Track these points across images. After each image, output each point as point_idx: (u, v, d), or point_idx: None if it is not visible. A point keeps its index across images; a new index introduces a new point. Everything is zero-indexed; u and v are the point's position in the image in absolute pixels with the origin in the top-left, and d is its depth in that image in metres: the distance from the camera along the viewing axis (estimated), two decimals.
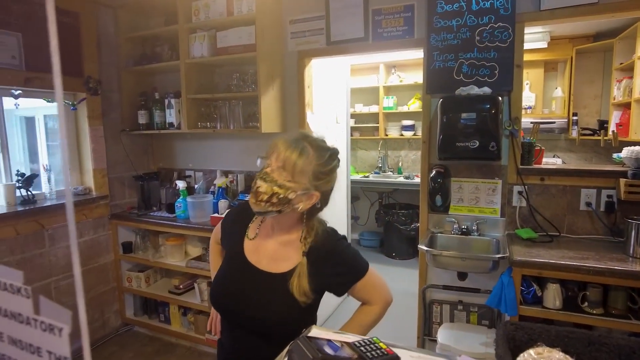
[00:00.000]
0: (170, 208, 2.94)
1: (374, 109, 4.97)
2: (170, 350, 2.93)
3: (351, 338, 0.93)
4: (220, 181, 2.93)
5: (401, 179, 4.64)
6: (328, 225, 1.25)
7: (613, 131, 3.26)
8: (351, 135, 3.89)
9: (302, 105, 2.77)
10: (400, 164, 5.00)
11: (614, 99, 3.62)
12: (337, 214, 3.35)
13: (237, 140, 3.06)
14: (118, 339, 3.09)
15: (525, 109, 4.11)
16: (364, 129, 5.08)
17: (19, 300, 0.41)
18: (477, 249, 2.31)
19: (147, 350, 2.94)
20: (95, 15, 2.87)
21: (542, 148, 2.38)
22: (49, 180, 2.75)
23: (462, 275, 2.30)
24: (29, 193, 2.54)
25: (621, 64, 3.49)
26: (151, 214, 3.00)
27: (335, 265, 1.18)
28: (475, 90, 2.20)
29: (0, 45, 2.32)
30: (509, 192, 2.28)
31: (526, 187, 2.23)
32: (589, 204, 2.13)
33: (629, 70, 3.38)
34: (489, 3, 2.17)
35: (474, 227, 2.34)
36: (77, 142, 2.93)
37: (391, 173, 4.89)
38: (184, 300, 2.87)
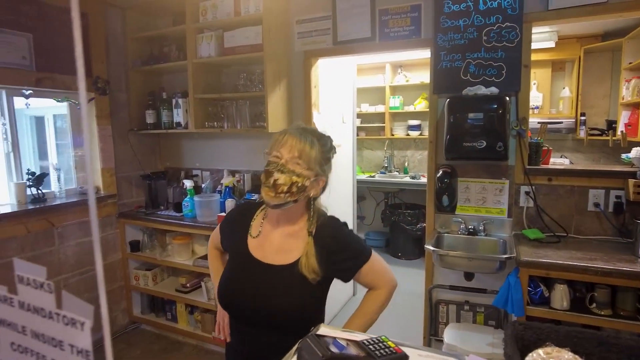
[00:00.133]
0: (178, 207, 2.96)
1: (380, 108, 4.97)
2: (177, 349, 2.96)
3: (360, 337, 0.94)
4: (227, 180, 2.95)
5: (407, 179, 4.63)
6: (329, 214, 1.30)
7: (622, 131, 3.24)
8: (357, 135, 3.89)
9: (308, 105, 2.78)
10: (406, 164, 4.99)
11: (623, 98, 3.58)
12: (343, 214, 3.35)
13: (244, 139, 3.07)
14: (125, 336, 3.12)
15: (532, 109, 4.08)
16: (370, 129, 5.08)
17: (41, 295, 0.42)
18: (484, 249, 2.30)
19: (154, 349, 2.97)
20: (103, 16, 2.90)
21: (550, 148, 2.37)
22: (58, 179, 2.78)
23: (468, 276, 2.30)
24: (39, 192, 2.57)
25: (630, 63, 3.46)
26: (158, 212, 3.02)
27: (341, 251, 1.21)
28: (482, 90, 2.19)
29: (11, 45, 2.35)
30: (516, 193, 2.27)
31: (533, 187, 2.22)
32: (597, 205, 2.11)
33: (638, 69, 3.35)
34: (496, 3, 2.16)
35: (481, 228, 2.34)
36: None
37: (397, 173, 4.88)
38: (190, 299, 2.89)
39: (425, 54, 2.52)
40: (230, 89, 2.96)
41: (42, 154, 2.86)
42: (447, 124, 2.24)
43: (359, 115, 4.89)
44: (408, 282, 3.88)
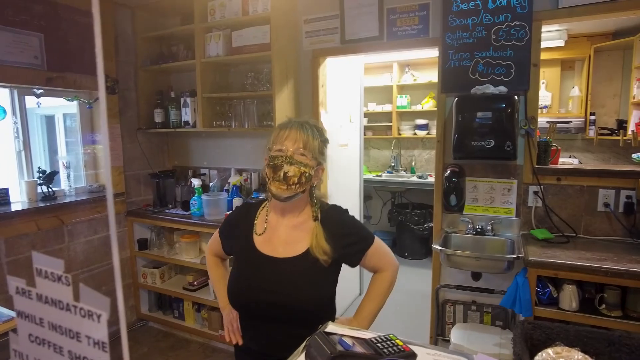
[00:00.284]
0: (185, 205, 2.98)
1: (387, 108, 4.95)
2: (184, 346, 2.98)
3: (368, 335, 0.94)
4: (234, 179, 2.96)
5: (414, 179, 4.62)
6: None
7: (632, 131, 3.20)
8: (364, 134, 3.89)
9: (315, 104, 2.78)
10: (413, 164, 4.97)
11: (634, 98, 3.54)
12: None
13: (251, 138, 3.08)
14: (133, 334, 3.15)
15: (541, 108, 4.05)
16: (377, 128, 5.07)
17: (59, 288, 0.43)
18: (492, 249, 2.29)
19: (161, 346, 2.99)
20: (113, 16, 2.93)
21: (559, 148, 2.35)
22: (68, 177, 2.81)
23: (476, 276, 2.29)
24: (50, 189, 2.61)
25: None
26: (166, 211, 3.04)
27: (347, 235, 1.26)
28: (491, 89, 2.18)
29: (23, 45, 2.38)
30: (525, 192, 2.26)
31: (542, 187, 2.20)
32: (607, 205, 2.09)
33: None
34: (505, 1, 2.14)
35: (489, 227, 2.33)
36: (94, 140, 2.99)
37: (404, 172, 4.87)
38: (198, 297, 2.91)
39: (433, 52, 2.51)
40: (238, 88, 2.97)
41: (52, 152, 2.89)
42: (455, 123, 2.23)
43: (366, 115, 4.88)
44: (415, 281, 3.88)
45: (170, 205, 3.15)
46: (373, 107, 5.04)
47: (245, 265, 1.27)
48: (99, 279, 2.88)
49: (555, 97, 4.18)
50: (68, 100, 2.74)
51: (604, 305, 1.78)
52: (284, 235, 1.25)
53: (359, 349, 0.86)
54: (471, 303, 2.45)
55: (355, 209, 3.56)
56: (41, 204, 2.52)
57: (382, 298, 1.30)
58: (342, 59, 3.00)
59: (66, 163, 2.84)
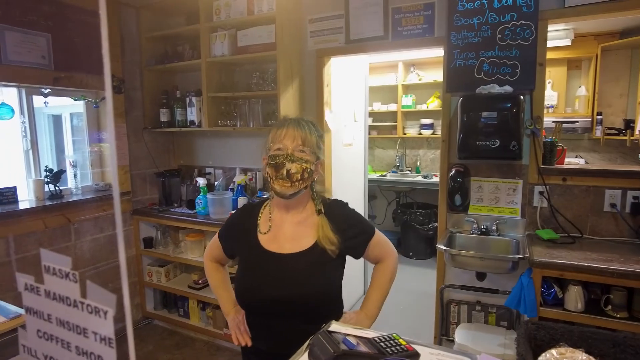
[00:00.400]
0: (191, 204, 3.00)
1: (392, 107, 4.95)
2: (189, 344, 2.99)
3: (371, 334, 0.94)
4: (239, 178, 2.98)
5: (419, 178, 4.61)
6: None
7: None
8: (369, 133, 3.89)
9: (320, 104, 2.79)
10: (418, 163, 4.96)
11: None
12: None
13: (257, 138, 3.09)
14: (138, 332, 3.17)
15: (547, 107, 4.03)
16: (382, 128, 5.07)
17: (67, 285, 0.43)
18: (497, 249, 2.28)
19: (166, 344, 3.01)
20: (118, 15, 2.95)
21: (565, 148, 2.34)
22: (74, 176, 2.84)
23: (480, 276, 2.28)
24: (57, 188, 2.63)
25: None
26: (172, 210, 3.06)
27: (350, 227, 1.29)
28: (496, 89, 2.17)
29: (31, 45, 2.41)
30: (530, 192, 2.25)
31: (547, 187, 2.19)
32: (613, 205, 2.08)
33: None
34: (511, 0, 2.13)
35: (494, 227, 2.32)
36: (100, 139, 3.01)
37: (409, 172, 4.86)
38: (202, 295, 2.92)
39: (438, 52, 2.50)
40: (243, 87, 2.98)
41: (60, 151, 2.92)
42: (460, 123, 2.23)
43: (371, 114, 4.88)
44: (419, 281, 3.87)
45: (175, 204, 3.17)
46: (378, 107, 5.03)
47: (253, 264, 1.27)
48: (105, 277, 2.91)
49: (562, 97, 4.15)
50: (75, 99, 2.76)
51: (609, 307, 1.76)
52: (289, 231, 1.27)
53: (363, 348, 0.87)
54: (476, 303, 2.45)
55: (359, 209, 3.55)
56: (48, 203, 2.54)
57: (387, 286, 1.35)
58: (347, 59, 3.00)
59: (73, 162, 2.87)
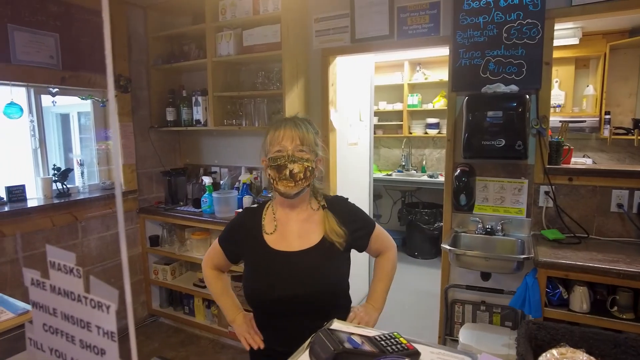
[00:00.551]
0: (196, 203, 3.02)
1: (398, 106, 4.94)
2: (194, 342, 3.02)
3: (372, 332, 0.95)
4: (244, 177, 2.99)
5: (425, 178, 4.60)
6: None
7: None
8: (374, 133, 3.89)
9: (325, 103, 2.79)
10: (424, 163, 4.95)
11: None
12: None
13: (262, 137, 3.07)
14: (144, 329, 3.20)
15: (554, 107, 3.99)
16: (387, 127, 5.06)
17: (71, 280, 0.45)
18: (502, 249, 2.28)
19: (172, 341, 3.03)
20: (125, 15, 2.97)
21: (571, 147, 2.32)
22: (82, 174, 2.87)
23: (485, 276, 2.27)
24: (64, 186, 2.67)
25: None
26: (178, 208, 3.08)
27: (353, 221, 1.33)
28: (502, 88, 2.16)
29: (40, 45, 2.44)
30: (536, 192, 2.24)
31: (553, 187, 2.18)
32: (620, 206, 2.06)
33: None
34: None
35: (499, 227, 2.31)
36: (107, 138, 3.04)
37: (415, 171, 4.85)
38: (208, 293, 2.93)
39: (444, 51, 2.50)
40: (248, 86, 2.99)
41: (67, 150, 2.96)
42: (466, 122, 2.22)
43: (376, 113, 4.88)
44: (424, 281, 3.86)
45: (181, 203, 3.19)
46: (384, 106, 5.02)
47: (262, 265, 1.26)
48: (112, 274, 2.94)
49: (569, 96, 4.11)
50: (82, 98, 2.80)
51: (615, 308, 1.75)
52: (296, 229, 1.28)
53: (367, 347, 0.87)
54: (480, 303, 2.44)
55: (365, 208, 3.55)
56: (56, 201, 2.58)
57: (390, 277, 1.39)
58: (352, 58, 3.00)
59: (80, 161, 2.90)
